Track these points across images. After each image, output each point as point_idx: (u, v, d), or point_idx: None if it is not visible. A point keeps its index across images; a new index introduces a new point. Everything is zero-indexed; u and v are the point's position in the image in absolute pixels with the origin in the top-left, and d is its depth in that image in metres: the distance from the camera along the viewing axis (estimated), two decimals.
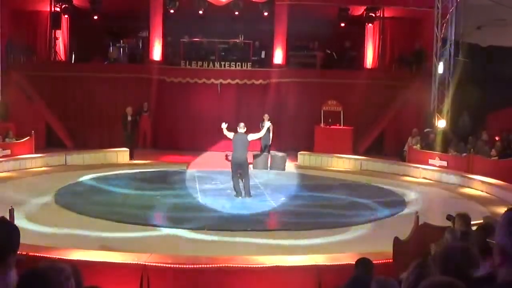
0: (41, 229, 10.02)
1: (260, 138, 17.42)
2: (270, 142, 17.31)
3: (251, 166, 16.41)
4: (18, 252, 2.86)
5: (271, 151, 17.46)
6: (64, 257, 7.23)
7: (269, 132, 17.23)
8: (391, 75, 20.97)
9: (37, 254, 7.25)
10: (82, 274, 3.62)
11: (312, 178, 15.95)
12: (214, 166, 16.59)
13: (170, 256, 7.85)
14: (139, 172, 16.09)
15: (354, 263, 5.91)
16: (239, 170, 12.93)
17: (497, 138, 17.18)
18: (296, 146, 19.01)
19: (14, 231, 2.88)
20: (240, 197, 12.86)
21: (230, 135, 13.00)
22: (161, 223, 11.02)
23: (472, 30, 19.46)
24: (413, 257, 4.08)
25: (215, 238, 9.91)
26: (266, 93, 20.17)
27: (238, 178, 12.97)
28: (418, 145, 17.94)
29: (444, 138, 17.73)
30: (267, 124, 14.78)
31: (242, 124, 13.06)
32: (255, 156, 16.96)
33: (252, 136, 13.11)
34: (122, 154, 17.71)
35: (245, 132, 13.02)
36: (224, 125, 12.98)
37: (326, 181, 15.75)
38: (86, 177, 15.00)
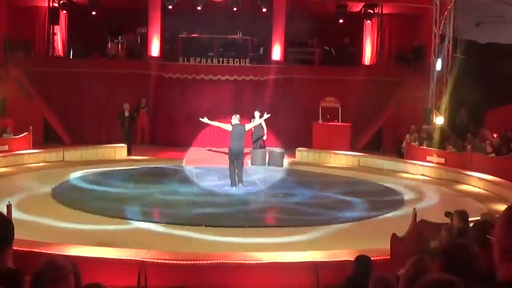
0: (39, 225, 10.02)
1: (253, 131, 17.45)
2: (265, 136, 17.17)
3: (249, 162, 16.46)
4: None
5: (268, 147, 17.45)
6: (62, 253, 7.24)
7: (262, 126, 17.14)
8: (389, 72, 20.95)
9: (35, 250, 7.26)
10: (80, 271, 3.61)
11: (310, 175, 15.94)
12: (211, 162, 16.60)
13: (168, 252, 7.86)
14: (137, 168, 16.08)
15: (352, 259, 5.92)
16: (236, 159, 13.29)
17: (495, 135, 17.17)
18: (294, 142, 18.98)
19: (10, 225, 2.91)
20: (234, 187, 13.29)
21: (227, 126, 13.44)
22: (159, 219, 11.03)
23: (471, 27, 19.45)
24: (411, 254, 4.08)
25: (212, 234, 9.90)
26: (264, 89, 20.13)
27: (235, 168, 13.31)
28: (416, 142, 17.94)
29: (442, 134, 17.73)
30: (257, 115, 14.81)
31: (238, 116, 13.56)
32: (252, 152, 16.96)
33: (248, 126, 13.85)
34: (120, 150, 17.68)
35: (240, 123, 13.53)
36: (205, 119, 13.55)
37: (324, 177, 15.73)
38: (83, 173, 14.99)
